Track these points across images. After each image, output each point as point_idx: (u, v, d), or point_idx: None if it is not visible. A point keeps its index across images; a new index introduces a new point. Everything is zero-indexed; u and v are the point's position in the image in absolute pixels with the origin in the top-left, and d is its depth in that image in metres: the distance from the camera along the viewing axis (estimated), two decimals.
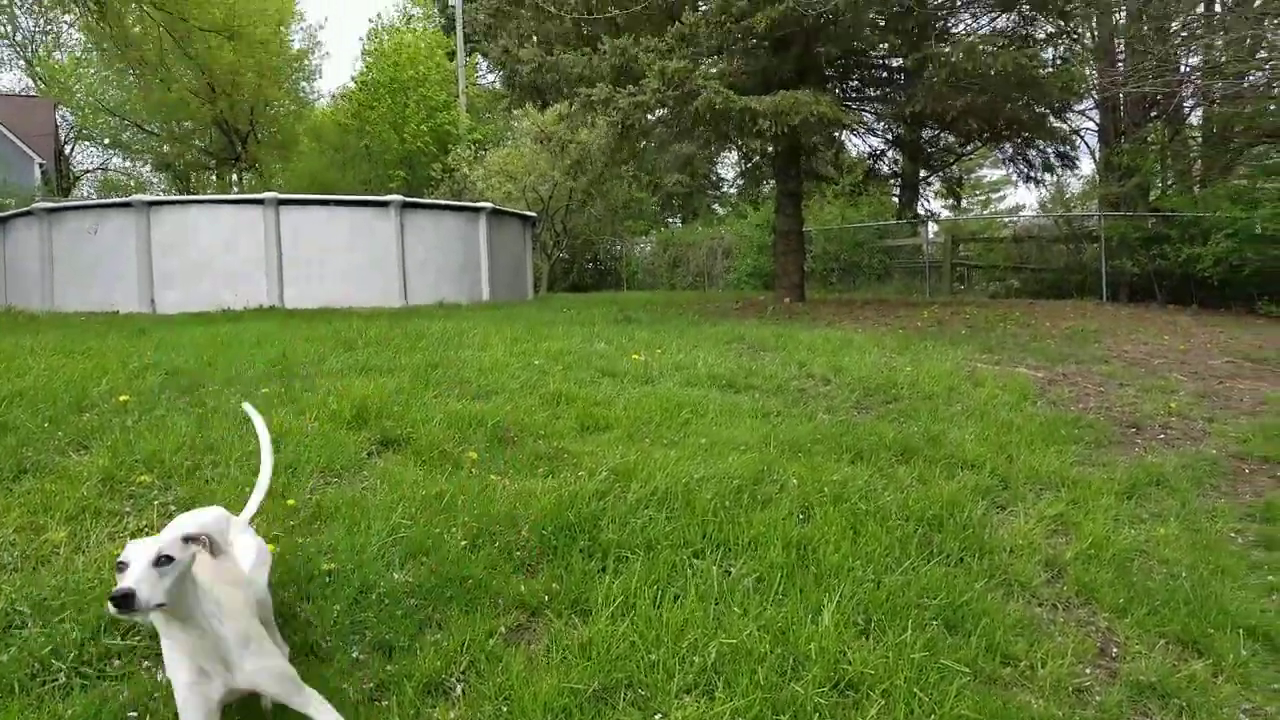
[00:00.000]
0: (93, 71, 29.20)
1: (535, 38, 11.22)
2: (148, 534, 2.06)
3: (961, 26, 11.85)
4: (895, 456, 3.90)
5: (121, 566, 1.55)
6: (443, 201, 14.29)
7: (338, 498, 3.01)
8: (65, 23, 27.84)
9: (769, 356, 6.28)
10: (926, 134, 13.68)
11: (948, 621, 2.50)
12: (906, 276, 17.40)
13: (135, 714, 1.92)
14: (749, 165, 15.40)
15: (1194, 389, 6.11)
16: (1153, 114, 15.52)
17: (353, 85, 27.17)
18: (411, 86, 24.74)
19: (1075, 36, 13.65)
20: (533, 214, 15.19)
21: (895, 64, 12.29)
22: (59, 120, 28.63)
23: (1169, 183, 16.35)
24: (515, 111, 17.88)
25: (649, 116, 10.30)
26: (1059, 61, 11.35)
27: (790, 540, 2.86)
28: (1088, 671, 2.40)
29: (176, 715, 1.66)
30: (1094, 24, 15.51)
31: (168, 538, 1.61)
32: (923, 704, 2.11)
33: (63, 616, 2.21)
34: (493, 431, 3.78)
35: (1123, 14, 14.97)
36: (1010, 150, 13.21)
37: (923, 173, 17.36)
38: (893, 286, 16.93)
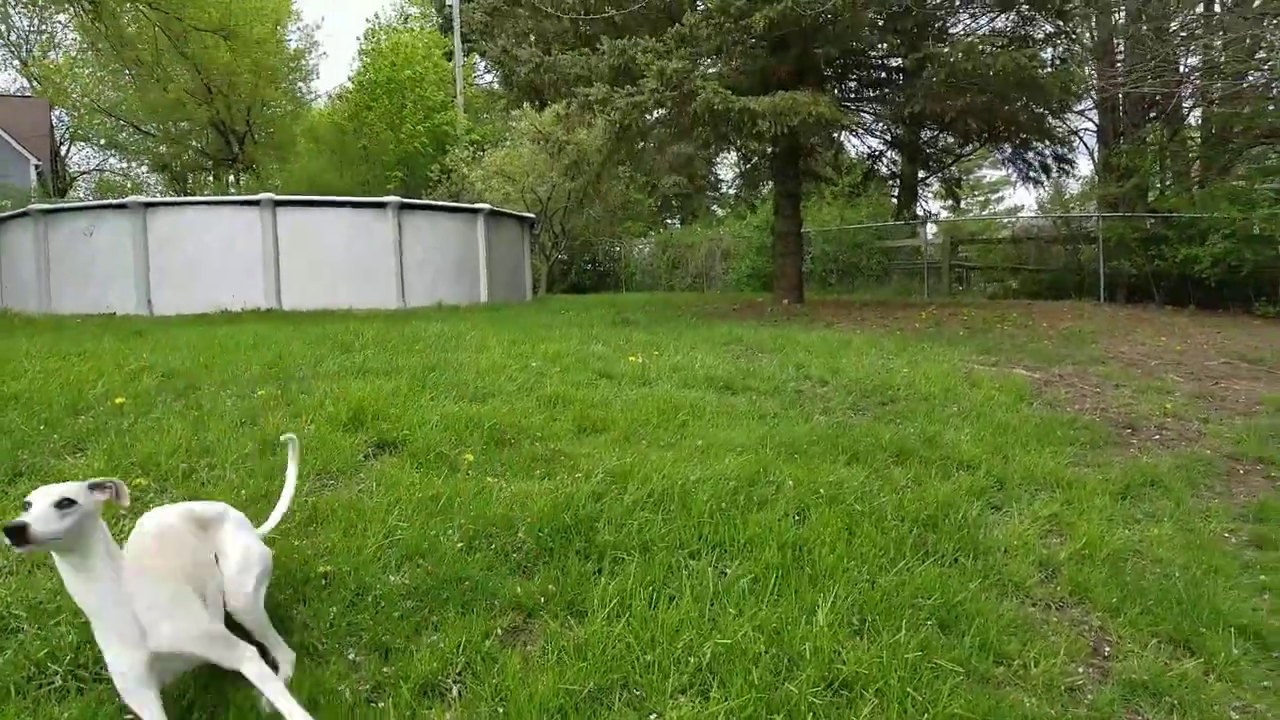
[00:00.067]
0: (88, 71, 29.14)
1: (533, 37, 11.21)
2: None
3: (960, 26, 11.86)
4: (891, 458, 3.90)
5: (27, 506, 1.64)
6: (440, 203, 14.26)
7: (334, 500, 3.01)
8: (60, 22, 27.94)
9: (766, 358, 6.29)
10: (925, 134, 13.69)
11: (942, 621, 2.51)
12: (905, 277, 17.41)
13: (130, 717, 1.93)
14: (748, 166, 15.40)
15: (1190, 390, 6.13)
16: (1151, 114, 15.53)
17: (350, 85, 27.20)
18: (409, 87, 24.74)
19: (1074, 36, 13.63)
20: (531, 215, 15.18)
21: (894, 64, 12.30)
22: (54, 121, 28.59)
23: (1167, 183, 16.38)
24: (513, 112, 17.90)
25: (647, 117, 10.30)
26: (1058, 62, 11.35)
27: (786, 541, 2.86)
28: (1080, 670, 2.41)
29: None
30: (1093, 24, 15.52)
31: (74, 484, 1.71)
32: (916, 703, 2.11)
33: (58, 620, 2.22)
34: (490, 433, 3.78)
35: (1122, 14, 15.01)
36: (1009, 151, 13.22)
37: (921, 173, 17.36)
38: (891, 287, 16.94)
